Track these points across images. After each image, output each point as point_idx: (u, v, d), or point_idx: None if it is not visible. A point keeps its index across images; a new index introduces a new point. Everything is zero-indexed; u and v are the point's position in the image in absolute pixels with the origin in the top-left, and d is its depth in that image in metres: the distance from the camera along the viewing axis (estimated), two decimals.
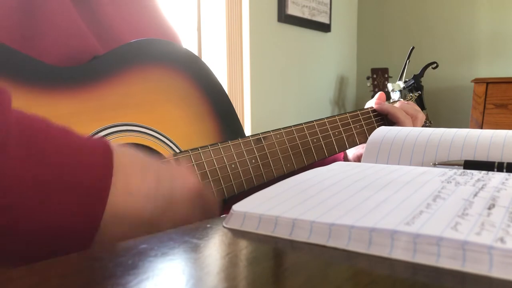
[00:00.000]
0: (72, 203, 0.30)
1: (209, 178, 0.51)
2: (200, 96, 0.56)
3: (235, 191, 0.53)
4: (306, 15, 2.33)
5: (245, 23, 2.04)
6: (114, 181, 0.32)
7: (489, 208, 0.26)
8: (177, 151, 0.51)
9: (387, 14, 2.73)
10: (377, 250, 0.23)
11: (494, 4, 2.37)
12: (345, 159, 0.76)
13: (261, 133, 0.58)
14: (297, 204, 0.28)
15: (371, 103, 0.77)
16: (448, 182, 0.32)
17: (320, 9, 2.43)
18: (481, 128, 2.03)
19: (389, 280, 0.20)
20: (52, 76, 0.43)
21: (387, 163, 0.45)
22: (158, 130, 0.50)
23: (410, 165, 0.45)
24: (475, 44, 2.44)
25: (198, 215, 0.38)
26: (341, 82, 2.75)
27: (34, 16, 0.45)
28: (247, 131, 2.02)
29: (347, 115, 0.69)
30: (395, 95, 1.01)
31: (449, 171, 0.36)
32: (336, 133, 0.66)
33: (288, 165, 0.59)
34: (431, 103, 2.36)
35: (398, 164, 0.45)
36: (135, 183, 0.34)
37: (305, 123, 0.63)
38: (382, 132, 0.49)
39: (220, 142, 0.53)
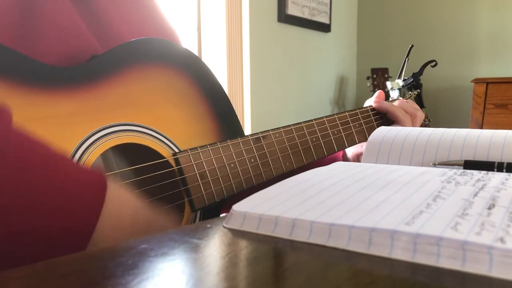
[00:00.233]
0: (60, 227, 0.30)
1: (208, 178, 0.51)
2: (199, 96, 0.56)
3: (234, 191, 0.53)
4: (306, 15, 2.33)
5: (245, 23, 2.04)
6: (102, 219, 0.33)
7: (489, 208, 0.26)
8: (176, 150, 0.51)
9: (387, 14, 2.73)
10: (377, 250, 0.23)
11: (494, 4, 2.37)
12: (344, 158, 0.75)
13: (260, 132, 0.58)
14: (297, 204, 0.28)
15: (370, 102, 0.77)
16: (448, 182, 0.32)
17: (320, 9, 2.43)
18: (481, 128, 2.03)
19: (389, 280, 0.20)
20: (51, 76, 0.43)
21: (387, 163, 0.45)
22: (158, 130, 0.50)
23: (410, 165, 0.45)
24: (475, 44, 2.44)
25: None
26: (341, 82, 2.75)
27: (33, 15, 0.45)
28: (247, 131, 2.02)
29: (346, 114, 0.69)
30: (394, 94, 1.01)
31: (449, 171, 0.36)
32: (335, 132, 0.66)
33: (287, 164, 0.59)
34: (431, 103, 2.36)
35: (398, 164, 0.45)
36: (123, 228, 0.35)
37: (304, 122, 0.63)
38: (382, 132, 0.49)
39: (219, 142, 0.53)
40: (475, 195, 0.29)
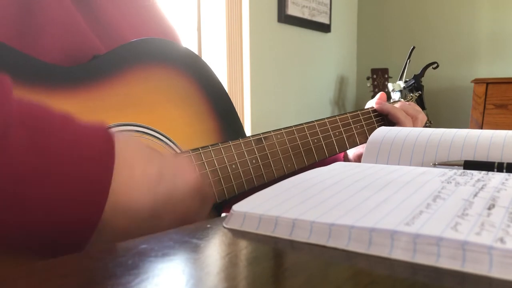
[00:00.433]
0: (74, 193, 0.29)
1: (209, 179, 0.51)
2: (200, 95, 0.56)
3: (236, 192, 0.53)
4: (306, 15, 2.33)
5: (245, 23, 2.04)
6: (116, 172, 0.32)
7: (489, 208, 0.26)
8: (178, 151, 0.51)
9: (387, 14, 2.73)
10: (377, 250, 0.23)
11: (494, 4, 2.37)
12: (345, 158, 0.76)
13: (262, 133, 0.58)
14: (297, 204, 0.28)
15: (371, 103, 0.77)
16: (448, 182, 0.32)
17: (320, 9, 2.43)
18: (481, 128, 2.03)
19: (389, 280, 0.20)
20: (53, 75, 0.43)
21: (387, 163, 0.45)
22: (159, 130, 0.50)
23: (410, 165, 0.45)
24: (475, 44, 2.44)
25: (197, 208, 0.39)
26: (341, 82, 2.75)
27: (32, 13, 0.45)
28: (247, 131, 2.02)
29: (348, 115, 0.69)
30: (395, 95, 1.00)
31: (449, 171, 0.36)
32: (337, 133, 0.66)
33: (289, 165, 0.59)
34: (431, 103, 2.35)
35: (398, 164, 0.45)
36: (138, 175, 0.34)
37: (306, 123, 0.63)
38: (382, 132, 0.49)
39: (220, 142, 0.53)
40: (475, 195, 0.29)
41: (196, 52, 1.68)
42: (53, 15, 0.46)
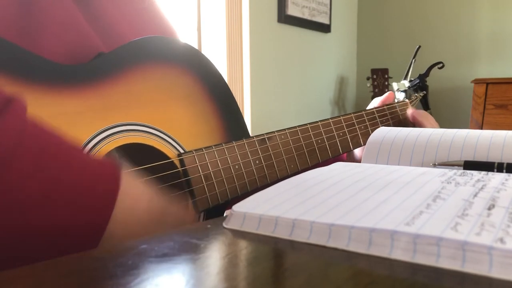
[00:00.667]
0: (73, 223, 0.30)
1: (212, 179, 0.51)
2: (204, 93, 0.55)
3: (238, 192, 0.53)
4: (306, 15, 2.33)
5: (245, 23, 2.04)
6: (116, 212, 0.33)
7: (489, 209, 0.26)
8: (181, 151, 0.50)
9: (387, 14, 2.73)
10: (377, 251, 0.23)
11: (494, 4, 2.37)
12: (351, 157, 0.75)
13: (265, 133, 0.57)
14: (297, 204, 0.28)
15: (376, 102, 0.77)
16: (448, 183, 0.32)
17: (320, 9, 2.43)
18: (481, 128, 2.03)
19: (389, 280, 0.20)
20: (57, 74, 0.43)
21: (387, 164, 0.45)
22: (162, 130, 0.50)
23: (410, 165, 0.45)
24: (475, 44, 2.44)
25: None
26: (341, 83, 2.75)
27: (33, 12, 0.45)
28: (248, 131, 2.02)
29: (352, 115, 0.68)
30: (400, 95, 1.00)
31: (449, 172, 0.37)
32: (341, 133, 0.65)
33: (292, 166, 0.59)
34: (431, 104, 2.35)
35: (398, 164, 0.45)
36: (137, 219, 0.35)
37: (310, 123, 0.62)
38: (382, 132, 0.49)
39: (224, 143, 0.53)
40: (475, 195, 0.29)
41: None
42: (54, 13, 0.46)
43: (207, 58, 0.57)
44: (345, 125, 0.66)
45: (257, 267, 0.22)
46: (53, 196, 0.29)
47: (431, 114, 0.78)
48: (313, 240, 0.25)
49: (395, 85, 1.01)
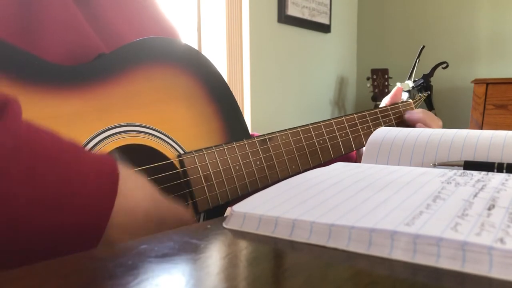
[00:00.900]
0: (74, 222, 0.30)
1: (213, 180, 0.50)
2: (204, 94, 0.55)
3: (239, 193, 0.52)
4: (306, 15, 2.33)
5: (245, 23, 2.04)
6: (115, 215, 0.33)
7: (489, 209, 0.26)
8: (181, 152, 0.50)
9: (387, 14, 2.73)
10: (377, 251, 0.23)
11: (494, 5, 2.37)
12: (360, 155, 0.75)
13: (266, 134, 0.57)
14: (297, 205, 0.28)
15: (387, 99, 0.77)
16: (448, 183, 0.32)
17: (320, 9, 2.43)
18: (481, 128, 2.03)
19: (389, 281, 0.20)
20: (56, 75, 0.43)
21: (387, 164, 0.45)
22: (162, 131, 0.49)
23: (410, 165, 0.45)
24: (475, 44, 2.44)
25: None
26: (341, 83, 2.75)
27: (34, 12, 0.45)
28: (249, 131, 2.02)
29: (355, 115, 0.67)
30: (403, 95, 1.00)
31: (449, 172, 0.37)
32: (343, 134, 0.65)
33: (293, 167, 0.58)
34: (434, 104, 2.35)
35: (398, 164, 0.45)
36: (137, 222, 0.35)
37: (311, 123, 0.62)
38: (382, 132, 0.49)
39: (224, 143, 0.52)
40: (475, 195, 0.29)
41: None
42: (55, 13, 0.46)
43: (207, 59, 0.57)
44: (348, 125, 0.66)
45: (257, 267, 0.22)
46: (51, 198, 0.29)
47: (435, 114, 0.78)
48: (313, 240, 0.25)
49: (398, 85, 1.01)
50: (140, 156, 0.51)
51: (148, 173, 0.48)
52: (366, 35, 2.84)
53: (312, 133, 0.61)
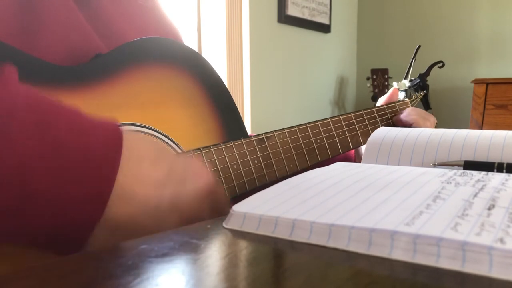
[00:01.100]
0: (79, 183, 0.29)
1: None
2: (203, 95, 0.55)
3: (237, 192, 0.53)
4: (306, 15, 2.33)
5: (245, 23, 2.04)
6: (123, 166, 0.31)
7: (489, 209, 0.26)
8: (179, 151, 0.50)
9: (387, 14, 2.73)
10: (377, 251, 0.23)
11: (494, 5, 2.37)
12: (359, 154, 0.75)
13: (264, 133, 0.57)
14: (297, 205, 0.28)
15: (382, 100, 0.77)
16: (448, 183, 0.32)
17: (320, 9, 2.43)
18: (481, 128, 2.03)
19: (389, 281, 0.20)
20: (55, 75, 0.43)
21: (387, 164, 0.45)
22: (161, 131, 0.50)
23: (410, 165, 0.45)
24: (475, 44, 2.44)
25: (207, 212, 0.38)
26: (341, 83, 2.75)
27: (34, 11, 0.45)
28: (247, 131, 2.02)
29: (352, 115, 0.68)
30: (400, 95, 1.00)
31: (449, 172, 0.37)
32: (340, 133, 0.65)
33: (291, 165, 0.59)
34: (431, 104, 2.35)
35: (398, 164, 0.45)
36: (146, 169, 0.34)
37: (308, 123, 0.62)
38: (382, 132, 0.49)
39: (222, 143, 0.53)
40: (475, 195, 0.29)
41: None
42: (55, 13, 0.46)
43: (205, 59, 0.57)
44: (345, 124, 0.66)
45: (257, 267, 0.22)
46: (56, 157, 0.28)
47: (432, 114, 0.78)
48: (313, 240, 0.25)
49: (395, 85, 1.01)
50: None
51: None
52: (366, 35, 2.84)
53: (310, 132, 0.61)
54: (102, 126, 0.32)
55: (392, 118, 0.75)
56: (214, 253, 0.25)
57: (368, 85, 2.47)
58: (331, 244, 0.24)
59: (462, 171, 0.37)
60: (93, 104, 0.45)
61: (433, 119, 0.75)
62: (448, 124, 2.45)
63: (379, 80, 2.42)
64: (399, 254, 0.22)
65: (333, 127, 0.64)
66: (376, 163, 0.46)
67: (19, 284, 0.20)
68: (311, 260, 0.23)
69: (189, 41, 1.98)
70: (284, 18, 2.20)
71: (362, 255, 0.23)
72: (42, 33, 0.45)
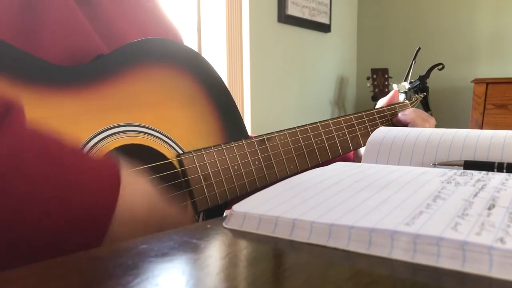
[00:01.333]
0: (79, 221, 0.31)
1: (211, 180, 0.51)
2: (203, 95, 0.56)
3: (238, 193, 0.53)
4: (306, 15, 2.33)
5: (245, 23, 2.04)
6: (122, 193, 0.33)
7: (489, 209, 0.26)
8: (180, 152, 0.50)
9: (387, 14, 2.73)
10: (377, 251, 0.23)
11: (494, 5, 2.37)
12: (358, 155, 0.76)
13: (264, 134, 0.58)
14: (297, 205, 0.28)
15: (383, 101, 0.77)
16: (448, 183, 0.32)
17: (320, 9, 2.43)
18: (481, 128, 2.03)
19: (389, 281, 0.20)
20: (56, 75, 0.43)
21: (387, 164, 0.45)
22: (161, 131, 0.50)
23: (410, 165, 0.45)
24: (475, 44, 2.44)
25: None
26: (341, 83, 2.75)
27: (35, 12, 0.45)
28: (247, 132, 2.02)
29: (352, 116, 0.68)
30: (400, 97, 1.00)
31: (449, 172, 0.36)
32: (340, 134, 0.66)
33: (292, 167, 0.59)
34: (431, 104, 2.35)
35: (398, 164, 0.45)
36: (143, 198, 0.36)
37: (309, 124, 0.62)
38: (382, 132, 0.49)
39: (223, 144, 0.53)
40: (475, 195, 0.29)
41: None
42: (56, 13, 0.46)
43: (205, 60, 0.57)
44: (345, 126, 0.66)
45: (257, 267, 0.22)
46: (56, 199, 0.30)
47: (431, 115, 0.79)
48: (313, 240, 0.25)
49: (395, 87, 1.01)
50: (139, 155, 0.51)
51: (148, 172, 0.48)
52: (366, 35, 2.84)
53: (310, 134, 0.62)
54: (102, 166, 0.34)
55: (392, 120, 0.76)
56: (214, 253, 0.25)
57: (368, 85, 2.47)
58: (331, 244, 0.24)
59: (462, 171, 0.37)
60: (94, 104, 0.45)
61: (432, 121, 0.75)
62: (448, 124, 2.45)
63: (379, 80, 2.42)
64: (399, 254, 0.22)
65: (334, 128, 0.65)
66: (376, 163, 0.46)
67: (19, 284, 0.20)
68: (311, 260, 0.23)
69: (189, 41, 1.98)
70: (284, 17, 2.20)
71: (362, 255, 0.23)
72: (42, 33, 0.45)
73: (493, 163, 0.40)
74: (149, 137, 0.48)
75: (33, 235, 0.29)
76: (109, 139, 0.45)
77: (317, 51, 2.50)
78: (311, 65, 2.47)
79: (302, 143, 0.61)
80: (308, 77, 2.44)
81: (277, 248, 0.25)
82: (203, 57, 0.57)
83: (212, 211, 0.53)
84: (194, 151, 0.50)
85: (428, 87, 0.98)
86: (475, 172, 0.36)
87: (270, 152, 0.57)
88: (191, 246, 0.25)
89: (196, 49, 2.04)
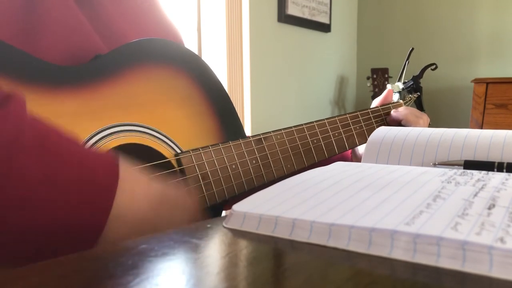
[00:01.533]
0: (78, 209, 0.31)
1: (210, 179, 0.51)
2: (201, 96, 0.56)
3: (236, 192, 0.53)
4: (306, 15, 2.33)
5: (245, 23, 2.04)
6: (119, 189, 0.33)
7: (489, 208, 0.26)
8: (178, 151, 0.51)
9: (387, 14, 2.73)
10: (377, 250, 0.23)
11: (494, 4, 2.37)
12: (355, 154, 0.76)
13: (262, 133, 0.58)
14: (297, 204, 0.28)
15: (377, 101, 0.78)
16: (448, 182, 0.32)
17: (320, 9, 2.43)
18: (481, 128, 2.03)
19: (389, 280, 0.20)
20: (55, 75, 0.43)
21: (387, 163, 0.45)
22: (160, 130, 0.50)
23: (410, 165, 0.45)
24: (475, 44, 2.44)
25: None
26: (341, 82, 2.75)
27: (35, 12, 0.45)
28: (247, 131, 2.02)
29: (347, 116, 0.70)
30: (394, 97, 1.01)
31: (449, 171, 0.36)
32: (336, 134, 0.67)
33: (289, 165, 0.60)
34: (431, 104, 2.36)
35: (398, 164, 0.45)
36: (140, 193, 0.36)
37: (305, 123, 0.63)
38: (382, 132, 0.49)
39: (221, 143, 0.53)
40: (475, 195, 0.29)
41: (196, 52, 1.68)
42: (56, 14, 0.47)
43: (203, 61, 0.58)
44: (341, 125, 0.68)
45: (257, 266, 0.22)
46: (54, 187, 0.30)
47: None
48: (313, 240, 0.25)
49: (389, 86, 1.02)
50: (138, 155, 0.51)
51: (146, 171, 0.48)
52: (366, 34, 2.84)
53: (306, 133, 0.63)
54: (100, 154, 0.35)
55: (386, 119, 0.76)
56: (214, 252, 0.25)
57: (368, 84, 2.47)
58: (331, 243, 0.24)
59: (462, 170, 0.37)
60: (93, 104, 0.45)
61: (426, 118, 0.76)
62: (448, 124, 2.44)
63: (379, 79, 2.42)
64: (399, 253, 0.22)
65: (329, 127, 0.66)
66: (376, 163, 0.46)
67: (19, 283, 0.20)
68: (311, 259, 0.23)
69: (189, 41, 1.98)
70: (284, 17, 2.20)
71: (362, 255, 0.23)
72: (42, 33, 0.45)
73: (493, 163, 0.40)
74: (147, 137, 0.49)
75: (25, 224, 0.29)
76: (108, 138, 0.45)
77: (317, 51, 2.50)
78: (311, 65, 2.46)
79: (298, 142, 0.61)
80: (308, 77, 2.44)
81: (277, 248, 0.25)
82: (201, 59, 0.58)
83: (212, 211, 0.53)
84: (192, 150, 0.51)
85: (421, 87, 0.99)
86: (475, 172, 0.36)
87: (267, 151, 0.58)
88: (191, 245, 0.25)
89: (196, 49, 2.05)
